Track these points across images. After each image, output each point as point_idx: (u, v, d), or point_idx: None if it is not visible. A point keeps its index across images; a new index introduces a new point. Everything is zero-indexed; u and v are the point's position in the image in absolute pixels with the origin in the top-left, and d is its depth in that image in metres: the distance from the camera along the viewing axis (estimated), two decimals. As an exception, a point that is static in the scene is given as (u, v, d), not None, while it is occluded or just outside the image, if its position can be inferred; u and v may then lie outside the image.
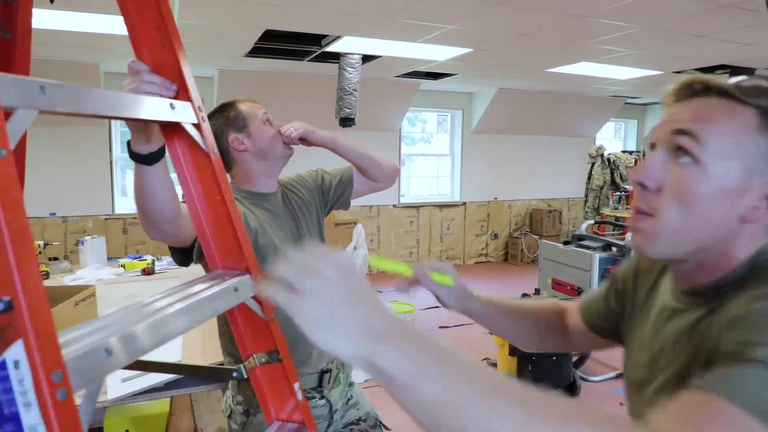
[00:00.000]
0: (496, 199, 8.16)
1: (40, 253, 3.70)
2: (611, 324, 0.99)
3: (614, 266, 3.95)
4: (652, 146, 0.76)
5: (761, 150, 0.67)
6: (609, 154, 6.29)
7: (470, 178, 8.00)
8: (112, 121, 6.01)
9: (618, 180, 6.26)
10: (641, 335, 0.86)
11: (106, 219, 6.21)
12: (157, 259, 3.97)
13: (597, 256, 3.90)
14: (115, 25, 3.75)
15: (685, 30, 4.02)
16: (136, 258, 3.92)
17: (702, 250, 0.71)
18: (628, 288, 0.95)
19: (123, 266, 3.80)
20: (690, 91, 0.73)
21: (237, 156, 1.60)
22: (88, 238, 3.81)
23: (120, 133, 6.49)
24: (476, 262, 8.18)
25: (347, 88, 4.93)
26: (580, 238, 4.36)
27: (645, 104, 9.15)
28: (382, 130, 7.10)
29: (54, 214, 6.02)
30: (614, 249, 4.03)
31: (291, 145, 1.62)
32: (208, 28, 3.99)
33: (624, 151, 7.28)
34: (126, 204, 6.40)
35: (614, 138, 9.64)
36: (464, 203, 8.02)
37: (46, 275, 3.59)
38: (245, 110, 1.61)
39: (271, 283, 0.53)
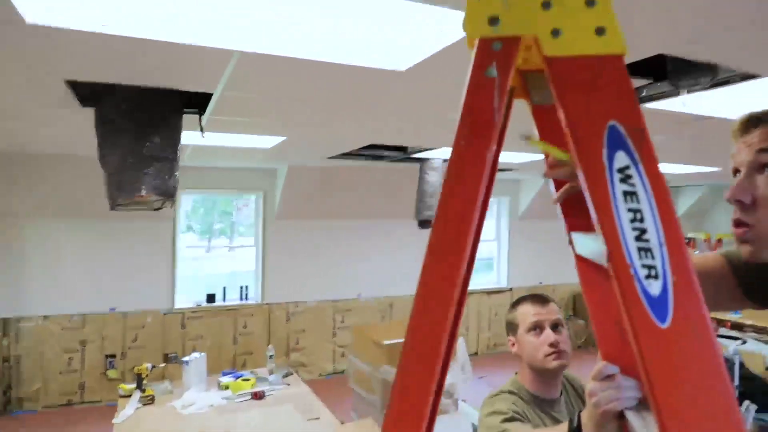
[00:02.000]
0: (540, 283, 8.18)
1: (146, 376, 3.63)
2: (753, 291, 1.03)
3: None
4: (736, 171, 0.90)
5: None
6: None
7: (516, 263, 8.05)
8: (178, 210, 6.06)
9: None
10: None
11: (165, 314, 6.13)
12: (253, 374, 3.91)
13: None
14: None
15: None
16: (237, 377, 3.84)
17: None
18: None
19: (227, 387, 3.73)
20: (752, 123, 0.88)
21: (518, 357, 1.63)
22: (195, 355, 3.75)
23: (185, 225, 6.53)
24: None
25: (428, 191, 5.02)
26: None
27: (677, 187, 9.39)
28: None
29: (113, 309, 5.94)
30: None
31: (561, 360, 1.63)
32: (313, 139, 4.06)
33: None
34: (185, 297, 6.35)
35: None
36: (511, 289, 8.03)
37: (152, 400, 3.51)
38: (518, 314, 1.66)
39: None
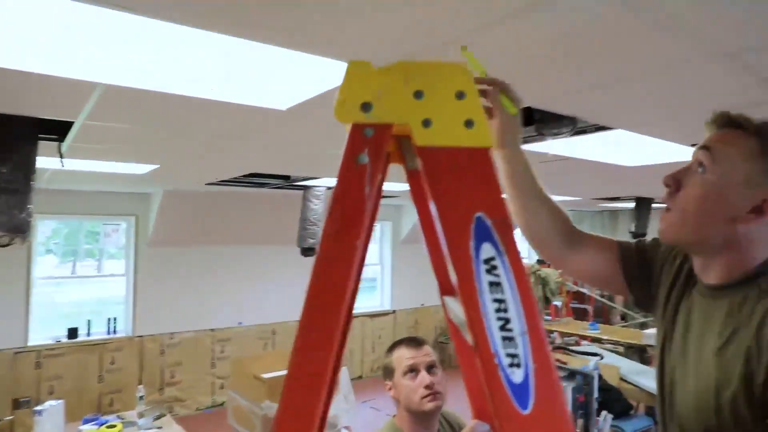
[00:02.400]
0: (423, 305, 8.41)
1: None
2: (641, 275, 1.12)
3: (582, 396, 4.25)
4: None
5: (758, 168, 0.89)
6: (539, 271, 6.88)
7: (399, 286, 8.22)
8: (34, 239, 5.45)
9: (549, 295, 6.83)
10: (664, 313, 1.04)
11: (16, 353, 5.46)
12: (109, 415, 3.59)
13: (570, 386, 4.19)
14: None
15: (611, 180, 4.66)
16: (100, 424, 3.51)
17: (705, 241, 0.92)
18: (655, 267, 1.11)
19: (90, 436, 3.39)
20: (722, 122, 0.95)
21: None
22: (50, 404, 3.36)
23: (44, 249, 5.90)
24: (406, 368, 8.25)
25: (311, 219, 4.98)
26: (544, 365, 4.66)
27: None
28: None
29: (-49, 350, 5.20)
30: (579, 377, 4.35)
31: (437, 401, 1.66)
32: (189, 167, 3.88)
33: (550, 266, 7.94)
34: (41, 332, 5.69)
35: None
36: (394, 311, 8.17)
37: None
38: (394, 358, 1.67)
39: None
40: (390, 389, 1.75)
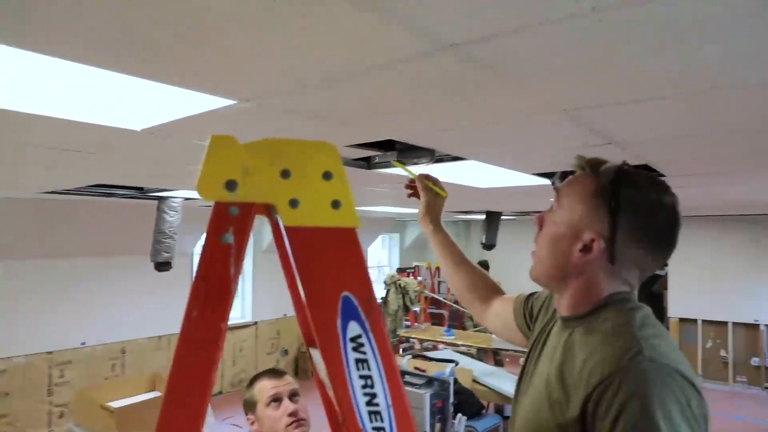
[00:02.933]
0: (285, 315, 8.29)
1: None
2: (529, 322, 1.21)
3: (440, 401, 4.48)
4: None
5: (588, 208, 0.94)
6: (398, 281, 7.13)
7: (260, 297, 8.03)
8: None
9: (408, 303, 7.09)
10: (534, 347, 1.10)
11: None
12: None
13: (427, 395, 4.38)
14: None
15: (463, 197, 5.00)
16: None
17: (556, 279, 0.99)
18: (537, 309, 1.20)
19: None
20: (577, 164, 1.01)
21: None
22: None
23: None
24: (268, 381, 8.08)
25: (167, 231, 4.68)
26: (402, 374, 4.83)
27: (407, 220, 10.56)
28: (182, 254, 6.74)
29: None
30: (437, 383, 4.58)
31: (302, 428, 1.65)
32: (23, 177, 3.44)
33: (403, 270, 8.22)
34: None
35: (381, 248, 10.80)
36: (256, 323, 7.96)
37: None
38: (256, 391, 1.63)
39: None
40: (252, 423, 1.70)
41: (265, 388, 1.68)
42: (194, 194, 4.30)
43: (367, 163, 2.87)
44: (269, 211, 0.86)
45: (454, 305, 8.91)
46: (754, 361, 7.91)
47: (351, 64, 1.03)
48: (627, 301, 0.93)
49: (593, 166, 0.96)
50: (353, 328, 0.66)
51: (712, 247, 8.14)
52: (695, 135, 1.85)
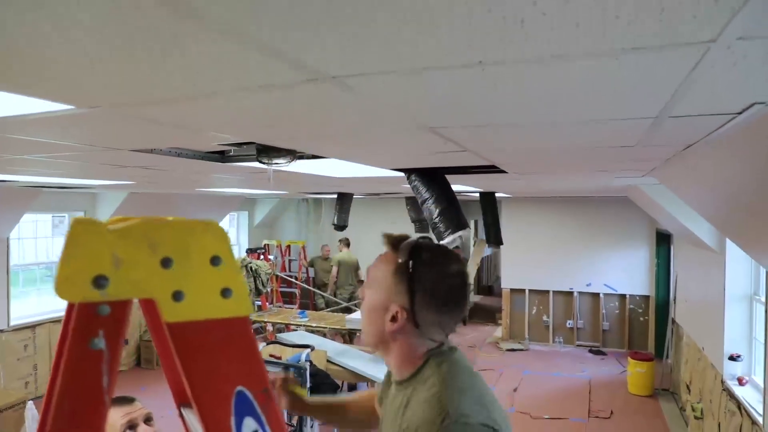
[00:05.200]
0: (124, 302, 7.65)
1: None
2: None
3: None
4: None
5: (390, 283, 1.09)
6: (250, 263, 6.89)
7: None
8: None
9: (260, 287, 6.90)
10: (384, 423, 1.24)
11: None
12: None
13: (283, 383, 4.35)
14: None
15: (317, 185, 5.00)
16: None
17: (378, 347, 1.14)
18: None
19: None
20: (386, 242, 1.17)
21: None
22: None
23: None
24: (104, 375, 7.43)
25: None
26: (258, 363, 4.75)
27: (255, 197, 10.25)
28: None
29: None
30: (292, 369, 4.57)
31: None
32: None
33: (254, 250, 7.93)
34: None
35: (229, 226, 10.38)
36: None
37: None
38: (108, 425, 1.47)
39: None
40: None
41: (116, 417, 1.54)
42: (7, 176, 3.73)
43: (221, 156, 2.71)
44: (146, 305, 0.76)
45: (305, 285, 8.93)
46: (569, 323, 9.08)
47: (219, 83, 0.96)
48: (439, 355, 1.10)
49: (394, 245, 1.12)
50: (249, 424, 0.61)
51: (537, 226, 9.11)
52: (533, 150, 2.03)
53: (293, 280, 9.05)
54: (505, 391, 6.91)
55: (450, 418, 0.97)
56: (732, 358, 4.40)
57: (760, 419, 3.60)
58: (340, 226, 6.87)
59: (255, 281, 6.73)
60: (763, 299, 3.90)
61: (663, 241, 8.04)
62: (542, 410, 6.23)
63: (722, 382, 4.47)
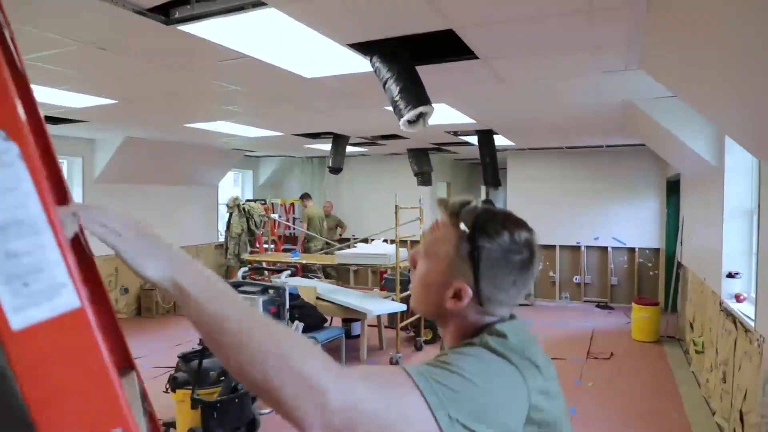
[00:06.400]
0: (123, 252, 7.69)
1: None
2: None
3: (275, 307, 4.40)
4: None
5: (452, 258, 0.96)
6: (243, 204, 6.83)
7: (94, 230, 7.35)
8: None
9: (253, 227, 6.85)
10: None
11: None
12: None
13: (260, 299, 4.28)
14: None
15: (309, 107, 4.89)
16: None
17: (433, 316, 1.04)
18: None
19: None
20: (443, 209, 1.02)
21: None
22: None
23: None
24: (105, 322, 7.49)
25: None
26: (239, 285, 4.68)
27: (259, 156, 10.21)
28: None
29: None
30: (272, 291, 4.49)
31: None
32: None
33: (255, 200, 7.97)
34: None
35: (234, 186, 10.38)
36: (89, 259, 7.29)
37: None
38: None
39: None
40: None
41: None
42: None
43: (165, 17, 2.59)
44: None
45: (307, 232, 8.89)
46: (576, 278, 8.84)
47: None
48: (492, 327, 0.97)
49: (454, 213, 0.99)
50: None
51: (544, 180, 8.88)
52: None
53: (286, 223, 9.02)
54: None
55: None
56: (730, 275, 4.18)
57: (752, 324, 3.39)
58: (336, 169, 6.78)
59: (248, 222, 6.67)
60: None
61: (673, 191, 7.74)
62: (540, 352, 6.04)
63: (720, 303, 4.25)
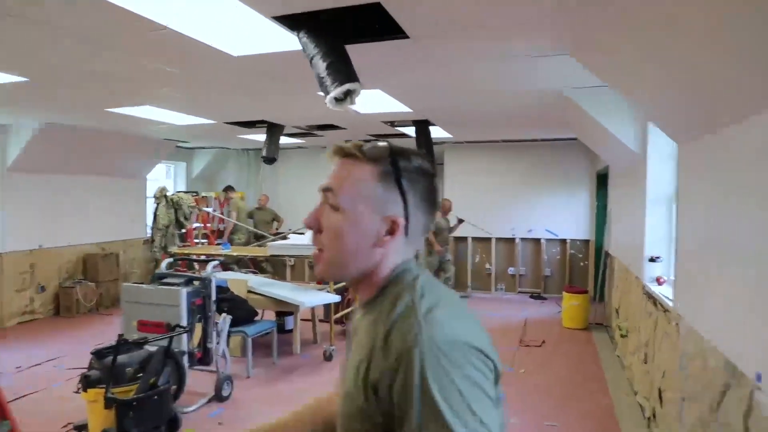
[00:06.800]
0: (41, 246, 7.21)
1: None
2: None
3: (200, 299, 4.20)
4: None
5: (379, 193, 0.92)
6: (172, 195, 6.52)
7: (10, 224, 6.84)
8: None
9: (182, 219, 6.55)
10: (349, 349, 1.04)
11: None
12: None
13: (184, 291, 4.07)
14: None
15: (240, 91, 4.71)
16: None
17: (359, 271, 0.95)
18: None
19: None
20: (339, 155, 0.97)
21: None
22: None
23: None
24: (20, 322, 6.99)
25: None
26: (163, 276, 4.44)
27: (192, 148, 9.83)
28: None
29: None
30: (197, 282, 4.29)
31: None
32: None
33: (186, 192, 7.65)
34: None
35: (165, 178, 9.95)
36: (0, 254, 6.78)
37: None
38: None
39: None
40: None
41: None
42: None
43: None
44: None
45: (239, 223, 8.64)
46: (511, 270, 9.01)
47: None
48: (410, 272, 0.95)
49: (361, 150, 0.95)
50: None
51: (480, 173, 8.99)
52: None
53: (221, 216, 8.75)
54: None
55: (423, 334, 0.79)
56: (652, 259, 4.32)
57: (671, 305, 3.50)
58: (270, 159, 6.59)
59: (176, 213, 6.38)
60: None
61: (602, 184, 8.02)
62: (474, 342, 6.10)
63: (643, 287, 4.40)
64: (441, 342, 0.78)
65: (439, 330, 0.79)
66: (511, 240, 8.95)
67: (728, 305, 2.35)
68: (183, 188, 9.78)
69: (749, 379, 2.03)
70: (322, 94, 3.05)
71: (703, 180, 2.86)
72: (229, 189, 8.91)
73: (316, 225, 0.97)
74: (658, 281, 4.20)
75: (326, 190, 0.96)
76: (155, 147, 8.25)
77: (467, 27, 3.06)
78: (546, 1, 2.65)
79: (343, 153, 0.96)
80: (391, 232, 0.93)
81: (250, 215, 9.15)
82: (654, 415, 3.81)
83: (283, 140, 7.11)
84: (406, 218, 0.93)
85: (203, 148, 9.78)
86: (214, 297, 4.34)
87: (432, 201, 0.98)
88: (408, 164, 0.94)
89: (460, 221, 8.07)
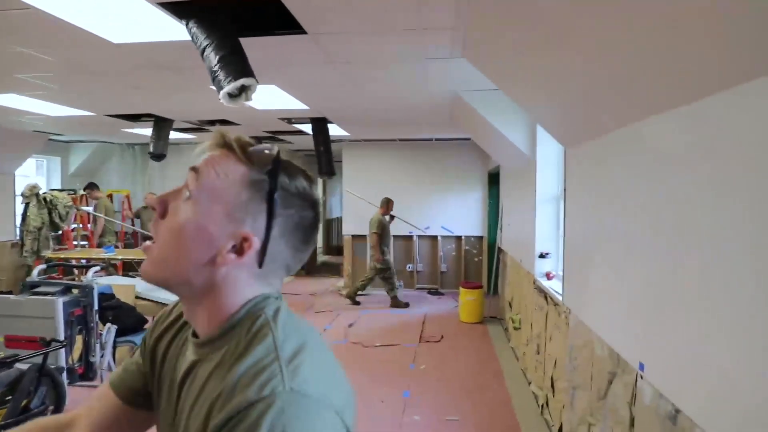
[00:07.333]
0: None
1: None
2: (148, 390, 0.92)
3: (80, 308, 3.83)
4: None
5: (241, 201, 0.76)
6: (45, 193, 5.90)
7: None
8: None
9: (57, 220, 5.94)
10: (169, 396, 0.83)
11: None
12: None
13: (60, 300, 3.69)
14: None
15: (122, 81, 4.34)
16: None
17: (192, 288, 0.77)
18: (151, 342, 0.92)
19: None
20: (216, 142, 0.81)
21: None
22: None
23: None
24: None
25: None
26: (35, 285, 3.99)
27: (69, 141, 9.00)
28: None
29: None
30: (76, 291, 3.90)
31: None
32: None
33: (61, 190, 6.95)
34: None
35: (36, 174, 9.02)
36: None
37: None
38: None
39: None
40: None
41: None
42: None
43: None
44: None
45: (129, 226, 8.04)
46: (409, 267, 9.17)
47: None
48: (268, 304, 0.78)
49: (243, 147, 0.78)
50: None
51: (378, 171, 9.05)
52: None
53: (104, 216, 8.07)
54: (341, 326, 6.75)
55: (284, 385, 0.66)
56: (542, 255, 4.56)
57: (560, 298, 3.70)
58: (157, 155, 6.18)
59: (50, 214, 5.79)
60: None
61: (494, 183, 8.37)
62: (376, 340, 6.13)
63: (534, 282, 4.62)
64: (301, 399, 0.65)
65: (302, 384, 0.67)
66: (409, 237, 9.10)
67: (611, 299, 2.51)
68: (58, 186, 8.93)
69: (633, 368, 2.17)
70: (214, 88, 2.87)
71: (586, 182, 3.04)
72: (92, 187, 7.97)
73: (161, 207, 0.78)
74: (548, 276, 4.43)
75: (194, 170, 0.79)
76: (24, 140, 7.42)
77: (364, 27, 3.02)
78: (445, 7, 2.68)
79: (224, 143, 0.80)
80: (239, 252, 0.76)
81: (137, 215, 8.55)
82: (547, 404, 4.02)
83: (173, 135, 6.69)
84: (264, 243, 0.76)
85: (82, 141, 8.98)
86: (96, 306, 3.97)
87: (305, 236, 0.81)
88: (288, 183, 0.78)
89: (392, 218, 8.14)
